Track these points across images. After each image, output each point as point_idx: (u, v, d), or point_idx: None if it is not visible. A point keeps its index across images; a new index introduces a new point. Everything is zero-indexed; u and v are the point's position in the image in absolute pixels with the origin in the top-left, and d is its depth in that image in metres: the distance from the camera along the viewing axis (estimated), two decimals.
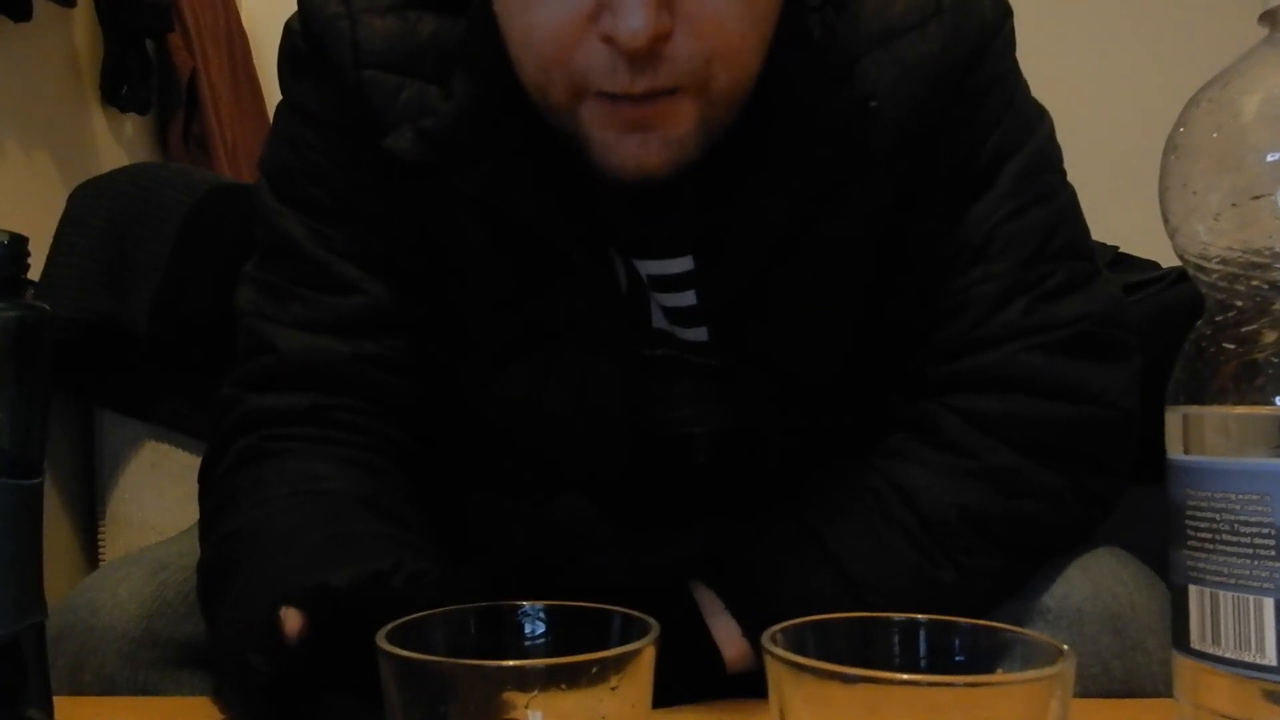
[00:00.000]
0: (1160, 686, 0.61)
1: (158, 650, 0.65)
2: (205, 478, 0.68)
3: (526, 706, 0.36)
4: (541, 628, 0.43)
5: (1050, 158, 0.70)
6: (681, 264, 0.67)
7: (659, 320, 0.69)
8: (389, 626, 0.39)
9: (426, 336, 0.71)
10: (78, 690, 0.64)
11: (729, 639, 0.62)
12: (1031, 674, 0.36)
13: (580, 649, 0.37)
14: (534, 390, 0.69)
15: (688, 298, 0.67)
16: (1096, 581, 0.64)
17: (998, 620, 0.62)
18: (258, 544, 0.58)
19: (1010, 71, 0.69)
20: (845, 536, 0.63)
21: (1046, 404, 0.65)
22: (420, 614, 0.41)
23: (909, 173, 0.66)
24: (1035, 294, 0.65)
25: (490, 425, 0.73)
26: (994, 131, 0.67)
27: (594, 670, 0.36)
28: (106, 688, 0.64)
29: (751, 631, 0.61)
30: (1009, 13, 0.69)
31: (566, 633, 0.41)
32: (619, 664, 0.37)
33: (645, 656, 0.38)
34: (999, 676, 0.38)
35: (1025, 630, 0.39)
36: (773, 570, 0.63)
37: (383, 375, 0.69)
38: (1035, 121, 0.70)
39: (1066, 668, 0.35)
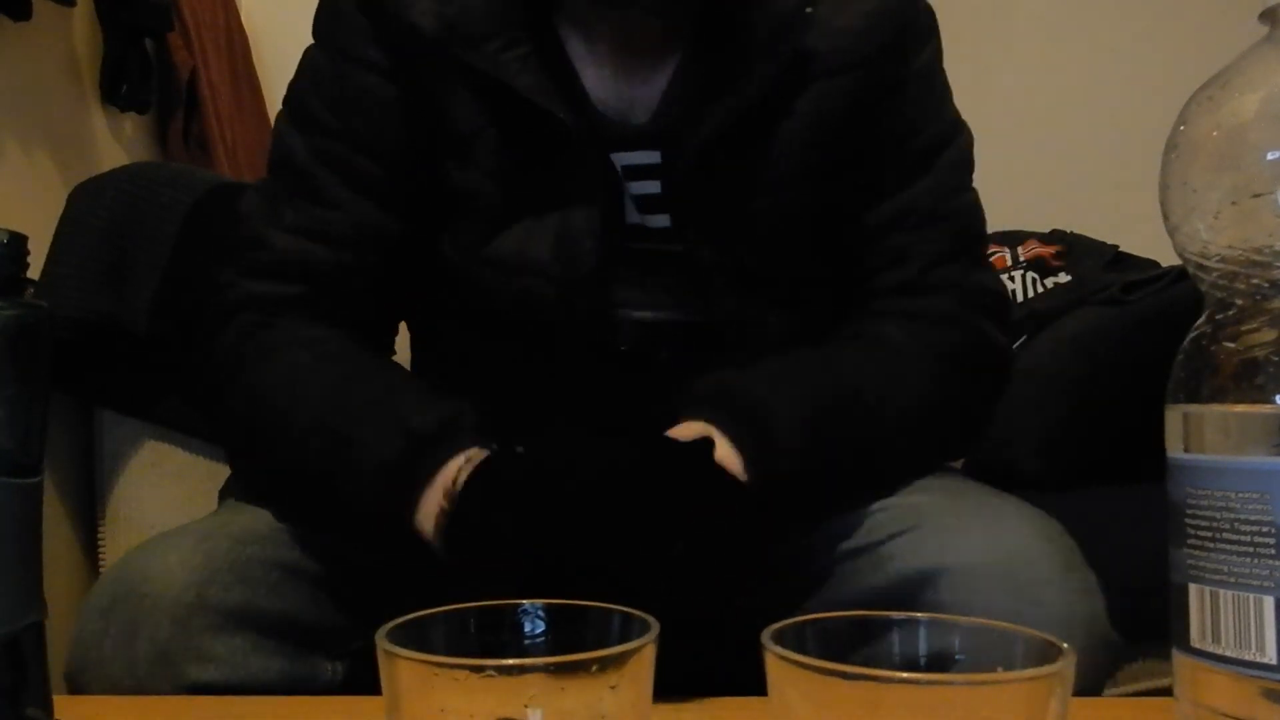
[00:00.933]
0: (1058, 630, 0.62)
1: (209, 616, 0.67)
2: (205, 348, 0.77)
3: (526, 706, 0.36)
4: (541, 627, 0.43)
5: (970, 160, 0.84)
6: (650, 156, 0.77)
7: (632, 216, 0.78)
8: (387, 626, 0.39)
9: (407, 249, 0.81)
10: (132, 658, 0.66)
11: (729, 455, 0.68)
12: (1031, 672, 0.36)
13: (580, 648, 0.37)
14: (521, 248, 0.77)
15: (654, 186, 0.78)
16: (995, 538, 0.66)
17: (903, 581, 0.66)
18: (310, 384, 0.72)
19: (944, 79, 0.83)
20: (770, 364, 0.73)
21: (966, 339, 0.79)
22: (418, 614, 0.41)
23: (847, 101, 0.77)
24: (963, 262, 0.80)
25: (472, 305, 0.82)
26: (933, 121, 0.81)
27: (594, 669, 0.36)
28: (161, 653, 0.66)
29: (742, 437, 0.68)
30: (936, 32, 0.83)
31: (566, 632, 0.41)
32: (619, 662, 0.37)
33: (645, 655, 0.38)
34: (998, 675, 0.38)
35: (1024, 629, 0.39)
36: (742, 384, 0.71)
37: (359, 280, 0.79)
38: (961, 127, 0.83)
39: (1066, 666, 0.35)
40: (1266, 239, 0.43)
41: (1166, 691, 0.47)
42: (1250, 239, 0.43)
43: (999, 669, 0.38)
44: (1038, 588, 0.64)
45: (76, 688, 0.67)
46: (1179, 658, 0.45)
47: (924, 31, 0.82)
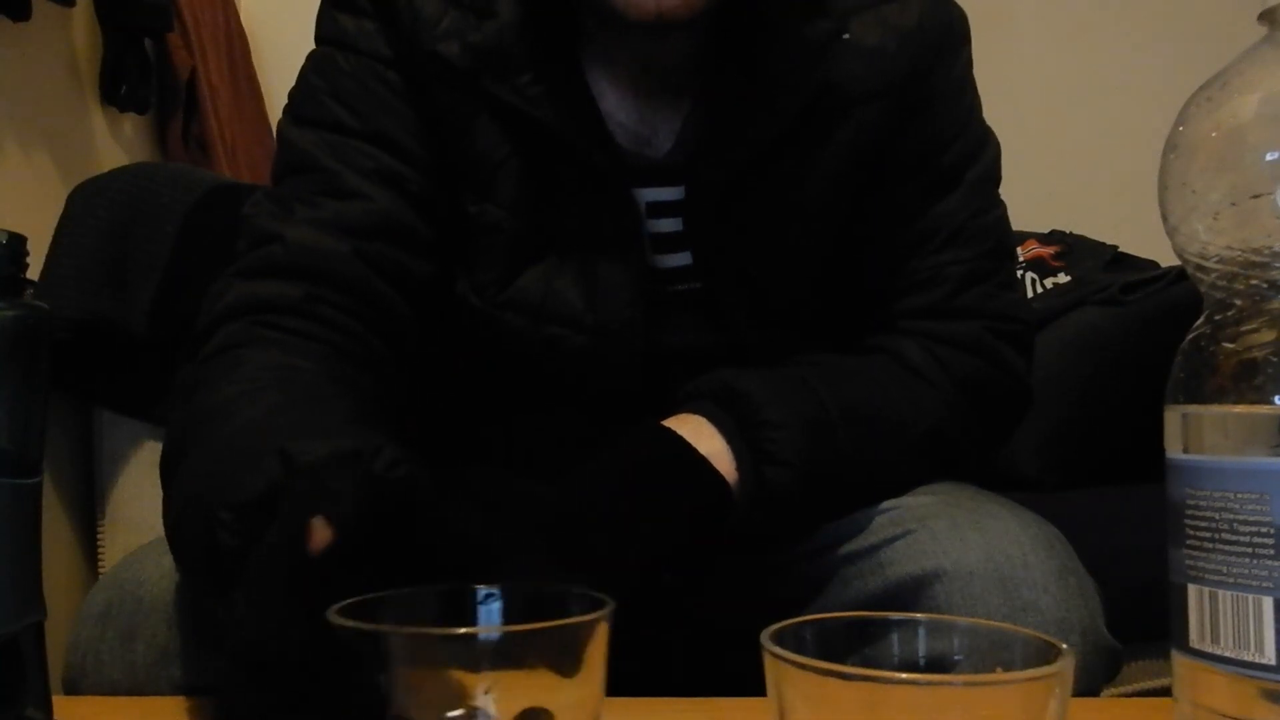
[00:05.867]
0: (1054, 636, 0.63)
1: (206, 620, 0.66)
2: (184, 362, 0.69)
3: (487, 692, 0.36)
4: (498, 610, 0.42)
5: (998, 173, 0.81)
6: (671, 192, 0.75)
7: (647, 256, 0.75)
8: (337, 607, 0.38)
9: (430, 254, 0.74)
10: (130, 661, 0.65)
11: (719, 455, 0.66)
12: (1030, 673, 0.36)
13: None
14: (548, 291, 0.74)
15: (674, 224, 0.75)
16: (991, 543, 0.66)
17: (900, 586, 0.66)
18: (229, 417, 0.57)
19: (973, 86, 0.81)
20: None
21: (989, 368, 0.77)
22: (373, 595, 0.40)
23: (881, 125, 0.75)
24: (992, 282, 0.78)
25: (489, 349, 0.77)
26: (962, 134, 0.78)
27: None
28: (159, 658, 0.65)
29: (734, 437, 0.66)
30: (969, 37, 0.80)
31: (524, 616, 0.41)
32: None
33: (599, 633, 0.38)
34: (997, 676, 0.38)
35: (1023, 629, 0.39)
36: (732, 384, 0.69)
37: (378, 280, 0.72)
38: (989, 137, 0.81)
39: (1065, 667, 0.35)
40: (1265, 240, 0.43)
41: (1166, 691, 0.47)
42: (1249, 240, 0.43)
43: (998, 670, 0.38)
44: (1034, 593, 0.64)
45: (74, 692, 0.67)
46: (1178, 658, 0.45)
47: (958, 42, 0.79)
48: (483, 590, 0.43)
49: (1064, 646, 0.36)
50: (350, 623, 0.37)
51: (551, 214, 0.74)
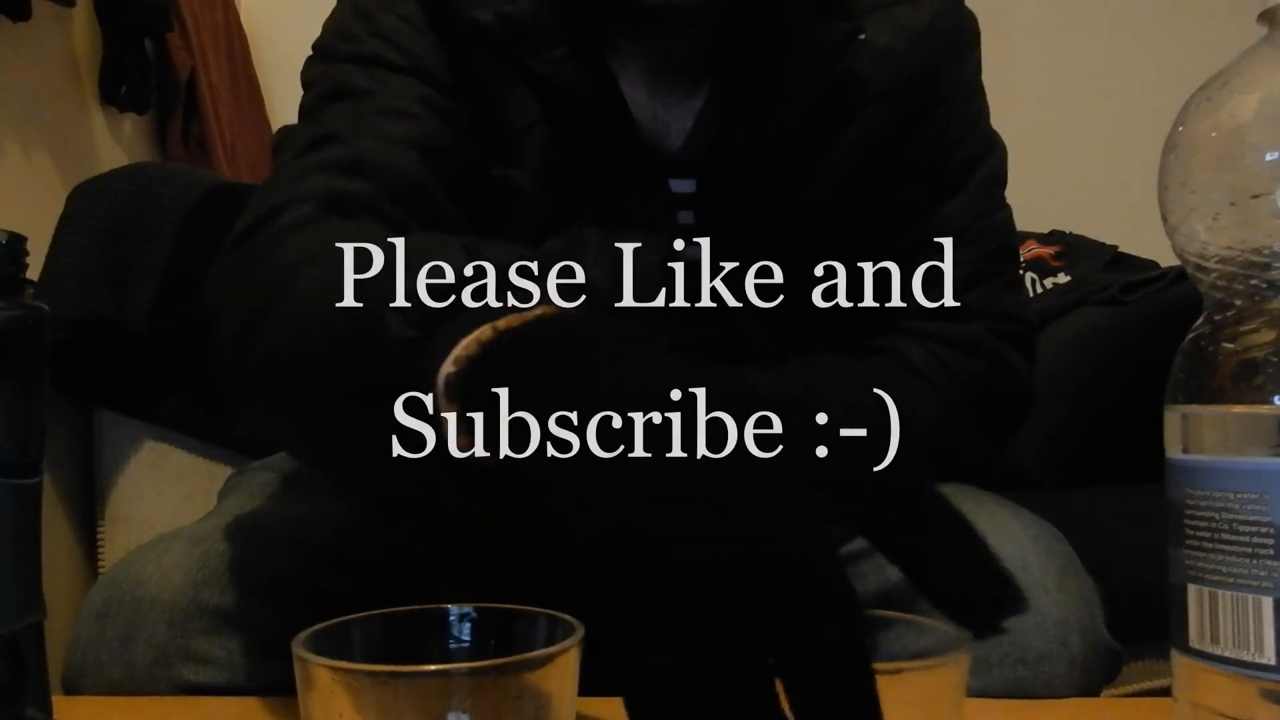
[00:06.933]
0: (1053, 645, 0.63)
1: (206, 619, 0.66)
2: (224, 257, 0.65)
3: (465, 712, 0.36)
4: (468, 631, 0.42)
5: (1004, 175, 0.81)
6: (685, 185, 0.75)
7: (671, 220, 0.75)
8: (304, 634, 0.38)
9: (476, 190, 0.72)
10: (129, 661, 0.65)
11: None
12: (930, 661, 0.36)
13: (506, 652, 0.37)
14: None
15: (687, 217, 0.75)
16: (992, 544, 0.65)
17: (901, 586, 0.64)
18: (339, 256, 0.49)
19: (982, 89, 0.82)
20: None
21: (991, 370, 0.78)
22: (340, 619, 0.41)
23: (890, 125, 0.75)
24: (996, 284, 0.79)
25: None
26: (970, 135, 0.79)
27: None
28: (159, 657, 0.65)
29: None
30: (979, 40, 0.81)
31: (492, 636, 0.41)
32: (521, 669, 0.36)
33: (569, 659, 0.37)
34: (895, 664, 0.37)
35: (922, 618, 0.39)
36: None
37: (441, 195, 0.69)
38: (996, 139, 0.81)
39: (962, 655, 0.35)
40: (1265, 240, 0.43)
41: (1166, 691, 0.47)
42: (1249, 240, 0.43)
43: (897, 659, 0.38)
44: (1034, 594, 0.64)
45: (74, 692, 0.67)
46: (1178, 658, 0.45)
47: (969, 44, 0.80)
48: (454, 611, 0.42)
49: (964, 635, 0.36)
50: (315, 657, 0.37)
51: (575, 190, 0.74)
